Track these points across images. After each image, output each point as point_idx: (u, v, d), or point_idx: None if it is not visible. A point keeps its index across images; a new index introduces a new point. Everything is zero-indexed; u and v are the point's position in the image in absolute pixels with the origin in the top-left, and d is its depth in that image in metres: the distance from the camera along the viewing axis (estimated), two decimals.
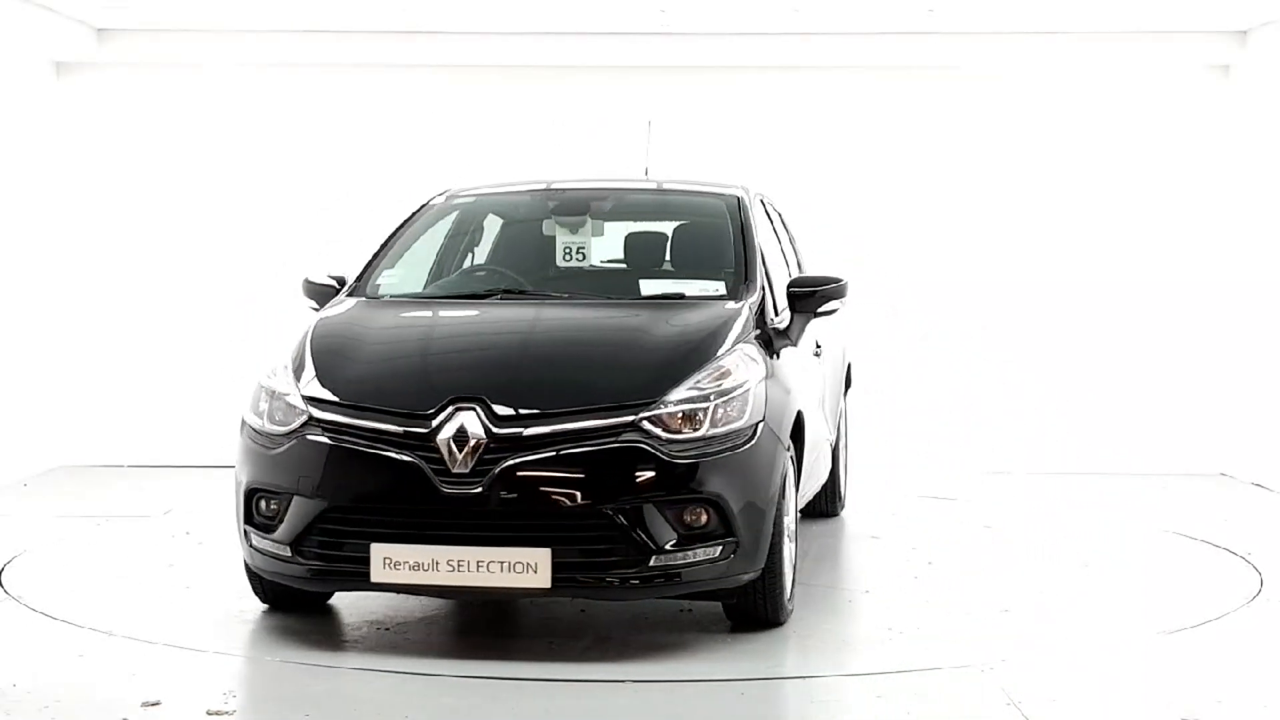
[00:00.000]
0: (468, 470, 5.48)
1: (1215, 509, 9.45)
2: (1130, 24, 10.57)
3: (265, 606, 6.39)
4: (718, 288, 6.56)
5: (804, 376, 6.77)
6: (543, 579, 5.43)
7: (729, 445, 5.68)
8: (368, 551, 5.52)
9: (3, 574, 7.12)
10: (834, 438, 8.27)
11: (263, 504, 5.84)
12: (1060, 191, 11.23)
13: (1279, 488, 10.20)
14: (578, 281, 7.00)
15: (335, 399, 5.79)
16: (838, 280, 6.78)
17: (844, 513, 8.93)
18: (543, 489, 5.49)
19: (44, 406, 10.92)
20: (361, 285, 6.81)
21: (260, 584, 6.21)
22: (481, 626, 6.19)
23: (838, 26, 10.65)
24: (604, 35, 10.75)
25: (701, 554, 5.59)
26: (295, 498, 5.69)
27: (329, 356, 6.03)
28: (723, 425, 5.69)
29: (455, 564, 5.45)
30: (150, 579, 6.95)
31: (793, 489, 6.23)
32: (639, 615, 6.29)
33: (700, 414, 5.67)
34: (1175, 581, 7.33)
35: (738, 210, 7.01)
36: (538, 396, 5.64)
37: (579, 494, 5.49)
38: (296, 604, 6.33)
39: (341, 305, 6.63)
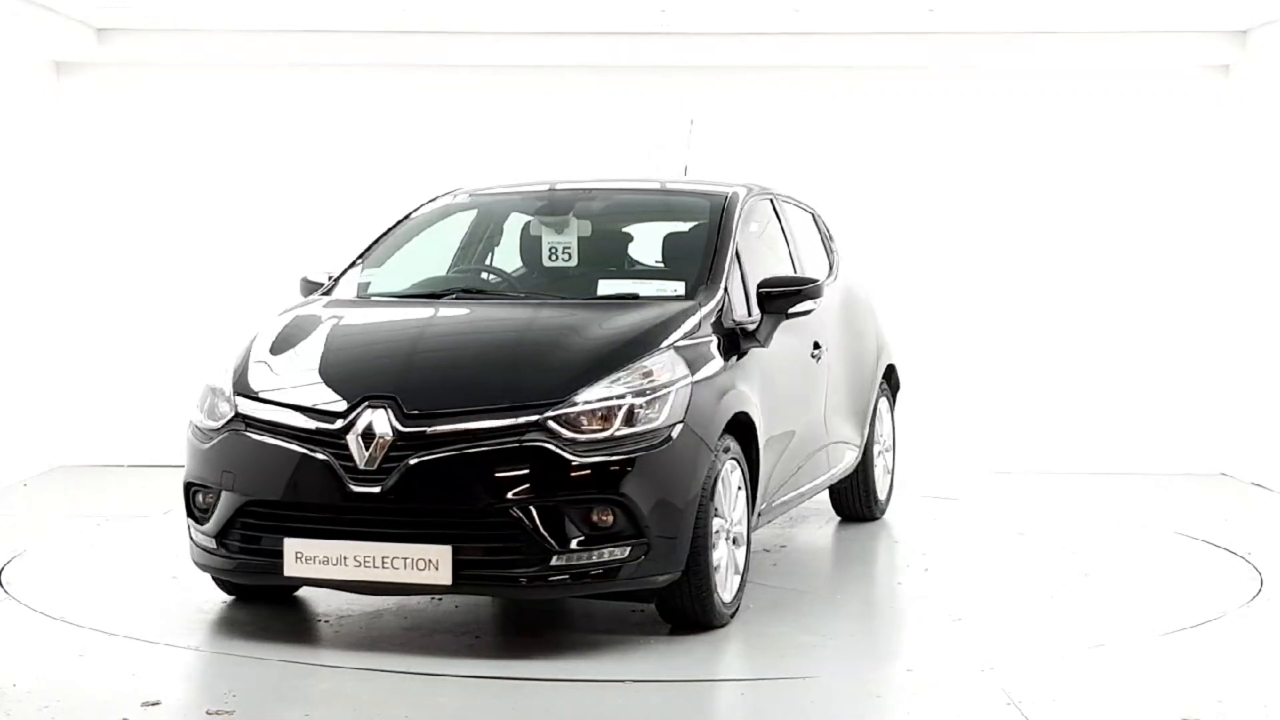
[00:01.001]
0: (374, 467, 5.58)
1: (1215, 509, 9.45)
2: (1130, 24, 10.56)
3: (270, 605, 6.40)
4: (677, 288, 6.55)
5: (775, 377, 6.73)
6: (444, 576, 5.51)
7: (641, 446, 5.68)
8: (282, 546, 5.66)
9: (3, 574, 7.12)
10: (860, 440, 8.22)
11: (198, 497, 6.03)
12: (1060, 192, 11.22)
13: (1279, 488, 10.20)
14: (537, 281, 7.04)
15: (260, 395, 5.97)
16: (811, 281, 6.77)
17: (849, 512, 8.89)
18: (443, 487, 5.57)
19: (44, 406, 10.92)
20: (336, 284, 6.99)
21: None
22: (482, 626, 6.19)
23: (836, 26, 10.66)
24: (647, 35, 10.75)
25: (609, 554, 5.61)
26: (223, 492, 5.86)
27: (265, 354, 6.23)
28: (636, 426, 5.70)
29: (362, 560, 5.56)
30: (150, 579, 6.95)
31: (738, 491, 6.21)
32: (640, 615, 6.30)
33: (610, 414, 5.69)
34: (1175, 581, 7.33)
35: (720, 211, 6.98)
36: (447, 395, 5.73)
37: (479, 492, 5.54)
38: (261, 597, 6.44)
39: (303, 304, 6.79)
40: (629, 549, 5.63)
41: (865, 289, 8.76)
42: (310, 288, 7.08)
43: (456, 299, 6.65)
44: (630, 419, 5.70)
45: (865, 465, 8.43)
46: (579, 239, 7.14)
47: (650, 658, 5.73)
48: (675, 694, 5.35)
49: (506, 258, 7.45)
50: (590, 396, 5.70)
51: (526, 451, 5.57)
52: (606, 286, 6.74)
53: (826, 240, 8.53)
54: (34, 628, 6.20)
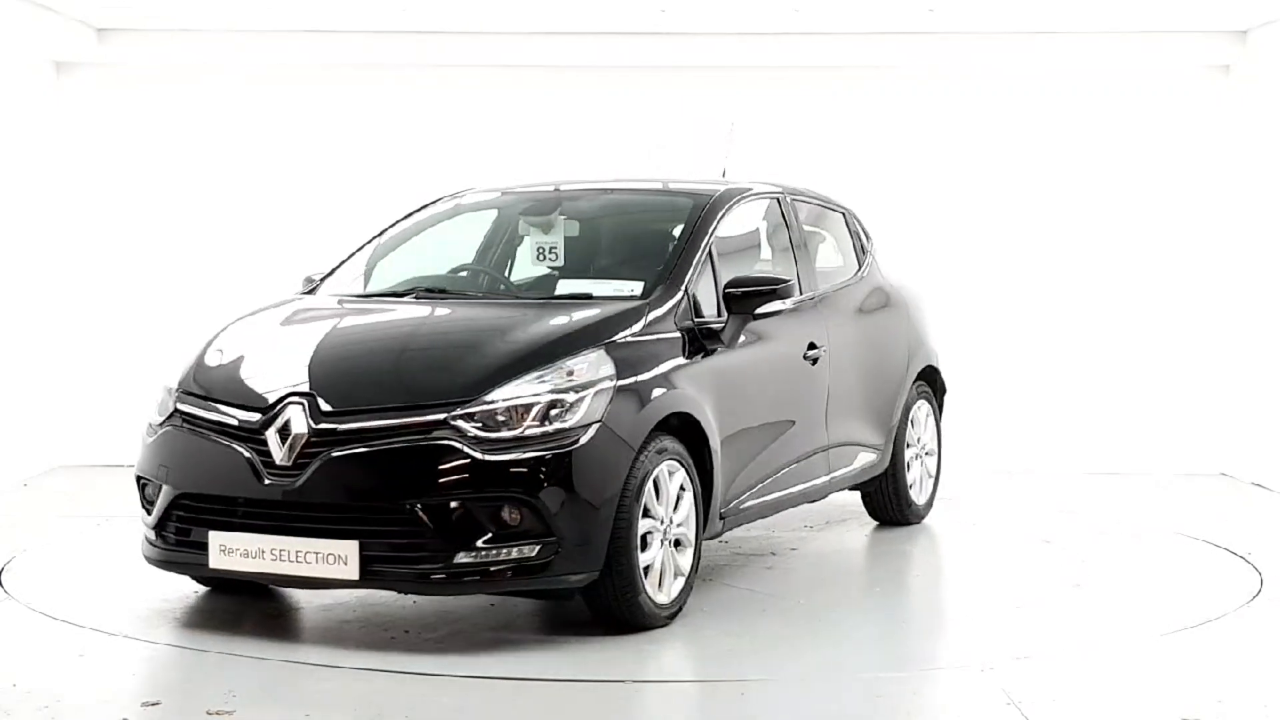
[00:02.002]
0: (289, 463, 5.71)
1: (1215, 509, 9.45)
2: (1130, 24, 10.56)
3: (270, 605, 6.41)
4: (635, 288, 6.55)
5: (744, 378, 6.69)
6: (352, 571, 5.60)
7: (552, 445, 5.69)
8: (208, 539, 5.85)
9: (3, 574, 7.12)
10: (883, 443, 8.11)
11: (146, 490, 6.23)
12: (1059, 193, 11.22)
13: (1279, 488, 10.20)
14: (496, 281, 7.14)
15: (195, 391, 6.16)
16: (781, 281, 6.74)
17: (858, 513, 8.89)
18: (352, 483, 5.67)
19: (44, 406, 10.91)
20: (315, 284, 7.19)
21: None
22: (482, 626, 6.19)
23: (837, 26, 10.66)
24: (647, 35, 10.74)
25: (517, 552, 5.65)
26: (162, 485, 6.07)
27: (214, 352, 6.40)
28: (547, 425, 5.71)
29: (278, 553, 5.70)
30: (150, 579, 6.95)
31: (682, 492, 6.18)
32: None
33: (520, 413, 5.72)
34: (1175, 581, 7.33)
35: (698, 212, 6.96)
36: (362, 393, 5.84)
37: (384, 489, 5.63)
38: (232, 589, 6.57)
39: (266, 306, 6.93)
40: (538, 548, 5.66)
41: (902, 290, 8.62)
42: (310, 286, 7.23)
43: (418, 299, 6.74)
44: (543, 418, 5.73)
45: (895, 469, 8.29)
46: (565, 239, 7.17)
47: (649, 658, 5.73)
48: (675, 693, 5.35)
49: (511, 258, 7.47)
50: (501, 395, 5.75)
51: (432, 449, 5.64)
52: (565, 286, 6.80)
53: (858, 240, 8.44)
54: (34, 628, 6.20)
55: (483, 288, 7.12)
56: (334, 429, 5.72)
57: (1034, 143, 11.22)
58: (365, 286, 7.14)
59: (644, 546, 5.97)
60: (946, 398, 9.00)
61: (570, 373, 5.86)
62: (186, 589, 6.75)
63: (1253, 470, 10.66)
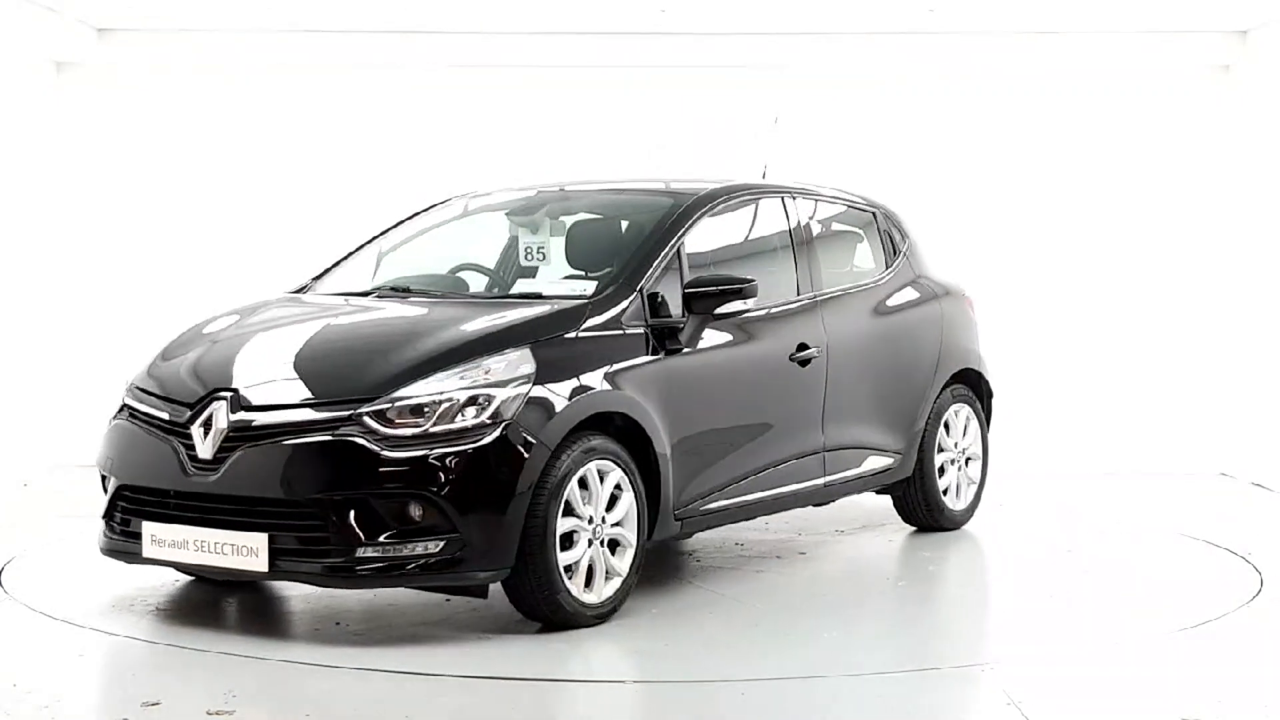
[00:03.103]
0: (210, 457, 5.87)
1: (1215, 509, 9.45)
2: (1130, 24, 10.57)
3: (269, 604, 6.42)
4: (587, 288, 6.56)
5: (705, 379, 6.63)
6: (262, 563, 5.75)
7: (458, 443, 5.73)
8: (141, 529, 6.07)
9: (3, 574, 7.12)
10: (902, 446, 7.94)
11: (104, 482, 6.48)
12: (1057, 193, 11.23)
13: (1279, 488, 10.20)
14: (456, 282, 7.23)
15: (144, 386, 6.38)
16: (744, 282, 6.65)
17: (867, 513, 8.89)
18: (262, 477, 5.79)
19: (44, 406, 10.91)
20: (307, 283, 7.33)
21: None
22: (481, 626, 6.19)
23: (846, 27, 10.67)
24: (647, 35, 10.75)
25: (421, 548, 5.71)
26: (110, 476, 6.35)
27: (175, 347, 6.62)
28: (453, 423, 5.75)
29: (199, 544, 5.87)
30: (150, 579, 6.94)
31: (618, 491, 6.16)
32: (646, 615, 6.30)
33: (427, 411, 5.76)
34: (1175, 581, 7.33)
35: (675, 212, 6.92)
36: (280, 390, 5.97)
37: (291, 483, 5.74)
38: (231, 588, 6.68)
39: (256, 302, 7.05)
40: (442, 544, 5.72)
41: (940, 291, 8.43)
42: (300, 285, 7.38)
43: (380, 297, 6.88)
44: (448, 416, 5.76)
45: (923, 473, 8.14)
46: (551, 239, 7.19)
47: (648, 657, 5.73)
48: (675, 693, 5.36)
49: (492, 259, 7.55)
50: (408, 393, 5.80)
51: (337, 445, 5.72)
52: (520, 286, 6.88)
53: (889, 240, 8.28)
54: (34, 628, 6.20)
55: (445, 287, 7.15)
56: (250, 424, 5.86)
57: (1032, 143, 11.22)
58: (371, 283, 7.20)
59: (569, 545, 5.98)
60: (994, 402, 8.76)
61: (486, 371, 5.90)
62: (186, 589, 6.76)
63: (1253, 470, 10.66)
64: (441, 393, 5.80)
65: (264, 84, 11.24)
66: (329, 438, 5.73)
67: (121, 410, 6.41)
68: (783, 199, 7.59)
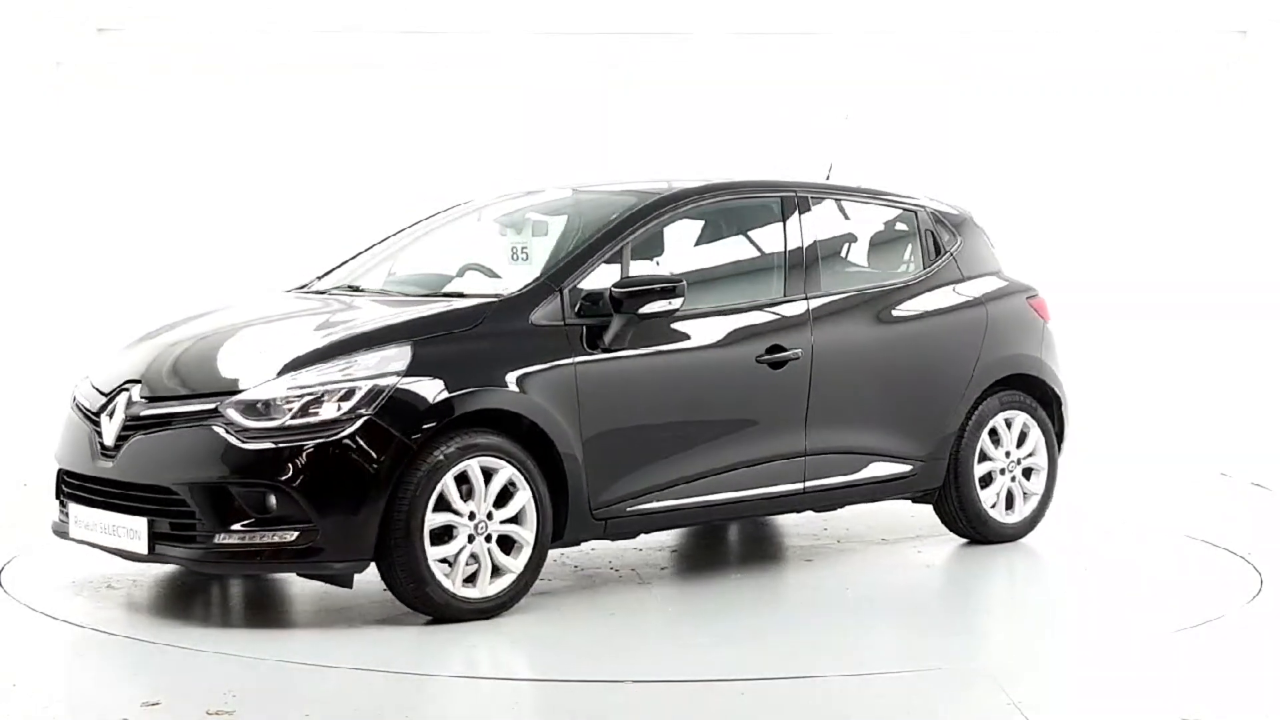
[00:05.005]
0: (111, 444, 6.21)
1: (1215, 509, 9.44)
2: (1130, 24, 10.57)
3: (269, 604, 6.44)
4: (507, 287, 6.61)
5: (634, 380, 6.56)
6: (141, 546, 6.06)
7: (314, 435, 5.88)
8: (70, 511, 6.45)
9: (3, 574, 7.12)
10: (925, 454, 7.60)
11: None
12: (1057, 192, 11.23)
13: (1279, 488, 10.19)
14: (439, 280, 7.22)
15: (88, 375, 6.69)
16: (673, 282, 6.55)
17: (874, 517, 8.83)
18: (142, 464, 6.11)
19: (44, 406, 10.90)
20: (308, 281, 7.47)
21: None
22: (481, 627, 6.19)
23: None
24: (654, 35, 10.73)
25: (276, 537, 5.88)
26: (57, 460, 6.65)
27: (127, 343, 6.84)
28: (313, 416, 5.90)
29: (105, 528, 6.21)
30: (150, 579, 6.94)
31: (510, 490, 6.16)
32: (648, 615, 6.29)
33: (284, 404, 5.93)
34: (1175, 581, 7.32)
35: (628, 211, 6.89)
36: (169, 381, 6.28)
37: (161, 471, 6.05)
38: (229, 586, 6.79)
39: (231, 300, 7.28)
40: (297, 534, 5.87)
41: (990, 295, 8.10)
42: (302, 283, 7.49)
43: (330, 295, 7.05)
44: (308, 410, 5.91)
45: (959, 483, 7.77)
46: (533, 239, 7.20)
47: (647, 657, 5.72)
48: (675, 693, 5.36)
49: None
50: (271, 387, 5.99)
51: (201, 435, 5.97)
52: (452, 285, 6.98)
53: (930, 240, 8.00)
54: (34, 628, 6.20)
55: (388, 285, 7.22)
56: (140, 415, 6.16)
57: (1032, 144, 11.22)
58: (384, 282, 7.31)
59: (446, 539, 6.05)
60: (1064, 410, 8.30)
61: (354, 367, 6.02)
62: (187, 589, 6.76)
63: (1253, 470, 10.65)
64: (302, 387, 5.96)
65: (264, 84, 11.24)
66: (196, 427, 5.99)
67: (72, 400, 6.70)
68: (782, 198, 7.40)
